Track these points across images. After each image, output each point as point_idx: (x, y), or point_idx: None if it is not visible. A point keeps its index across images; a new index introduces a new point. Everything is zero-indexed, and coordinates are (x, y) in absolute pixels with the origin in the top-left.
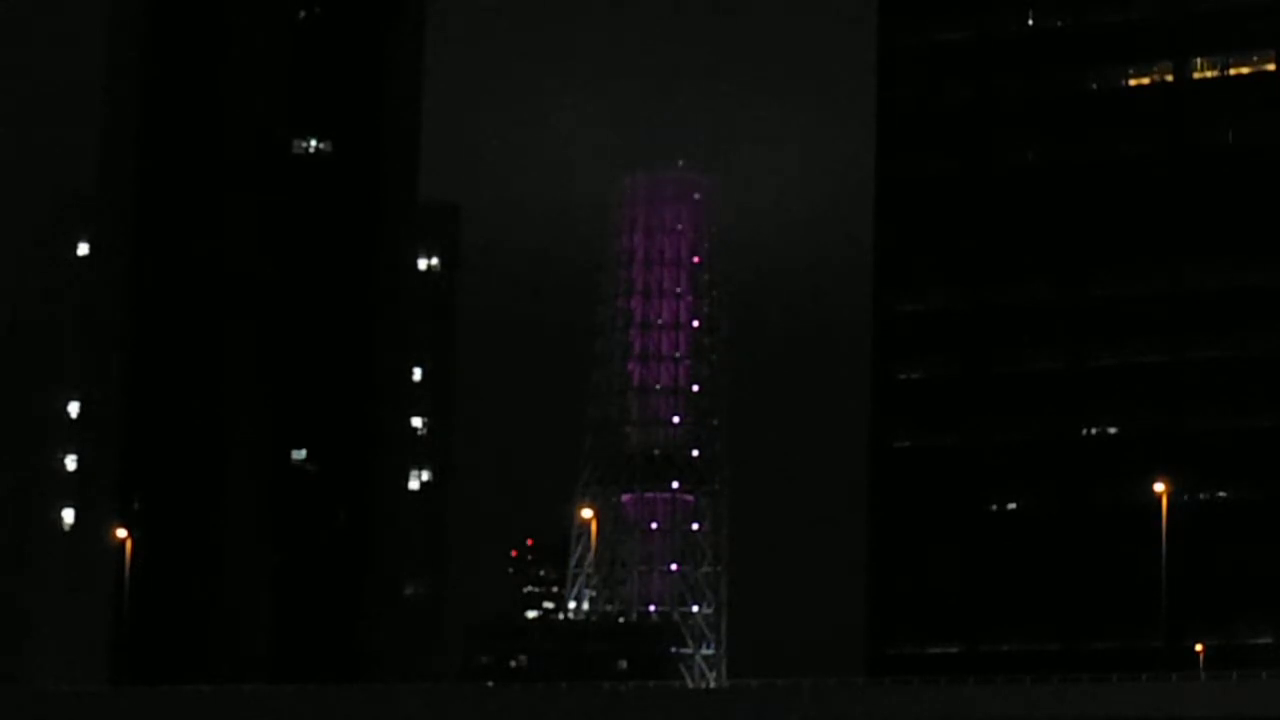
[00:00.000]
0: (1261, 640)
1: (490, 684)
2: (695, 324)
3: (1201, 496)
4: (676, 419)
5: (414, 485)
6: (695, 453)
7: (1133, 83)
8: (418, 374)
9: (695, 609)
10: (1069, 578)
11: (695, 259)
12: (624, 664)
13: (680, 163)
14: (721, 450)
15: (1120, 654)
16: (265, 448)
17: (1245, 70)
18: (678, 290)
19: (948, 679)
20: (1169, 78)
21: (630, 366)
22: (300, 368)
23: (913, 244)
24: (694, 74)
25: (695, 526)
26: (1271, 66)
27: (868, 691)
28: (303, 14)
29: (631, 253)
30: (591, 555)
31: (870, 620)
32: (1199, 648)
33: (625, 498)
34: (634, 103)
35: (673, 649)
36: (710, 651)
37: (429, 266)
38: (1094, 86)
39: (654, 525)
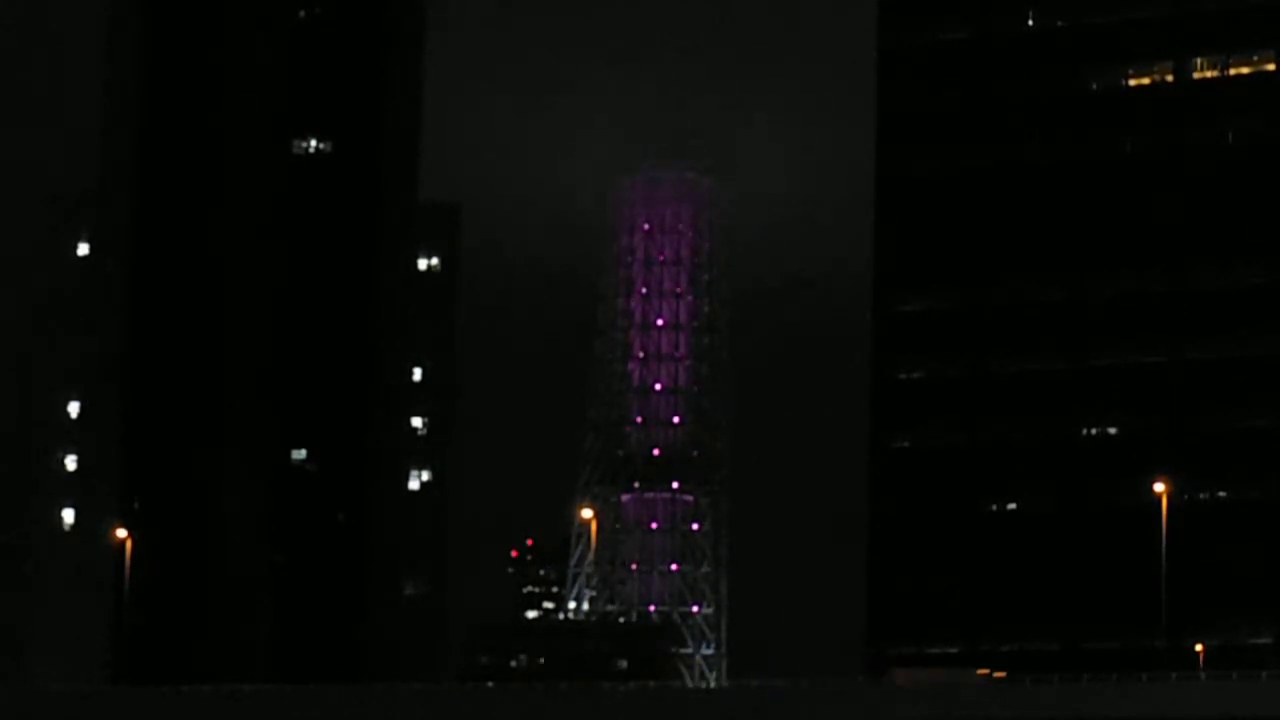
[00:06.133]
0: (1261, 640)
1: (490, 684)
2: (695, 324)
3: (1201, 496)
4: (676, 419)
5: (414, 485)
6: (695, 453)
7: (1133, 83)
8: (418, 374)
9: (695, 609)
10: (1069, 578)
11: (695, 259)
12: (624, 664)
13: (680, 163)
14: (721, 450)
15: (1120, 654)
16: (265, 448)
17: (1245, 70)
18: (678, 290)
19: None
20: (1169, 78)
21: (630, 367)
22: (300, 368)
23: (913, 244)
24: (694, 74)
25: (695, 526)
26: (1271, 66)
27: (868, 691)
28: (303, 14)
29: (631, 253)
30: (591, 555)
31: (870, 620)
32: (1199, 648)
33: (625, 498)
34: (634, 102)
35: (673, 649)
36: (710, 651)
37: (429, 266)
38: (1094, 86)
39: (654, 525)
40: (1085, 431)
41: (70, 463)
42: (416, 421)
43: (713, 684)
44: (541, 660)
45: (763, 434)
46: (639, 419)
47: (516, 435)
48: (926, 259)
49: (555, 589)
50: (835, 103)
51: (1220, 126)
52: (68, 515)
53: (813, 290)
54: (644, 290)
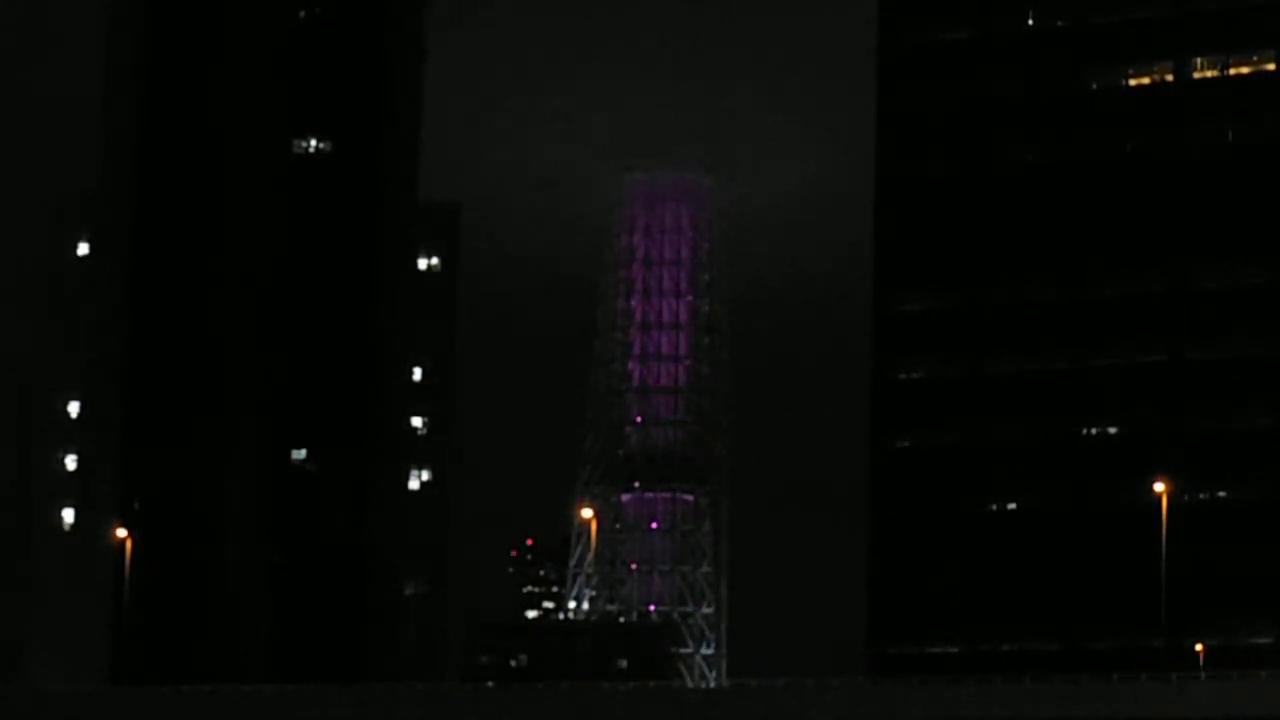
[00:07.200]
0: (1261, 640)
1: (490, 684)
2: (695, 324)
3: (1201, 496)
4: (676, 419)
5: (414, 485)
6: (695, 453)
7: (1133, 83)
8: (418, 374)
9: (695, 609)
10: (1069, 578)
11: (695, 259)
12: (624, 664)
13: (680, 163)
14: (722, 450)
15: (1120, 654)
16: (265, 448)
17: (1245, 70)
18: (678, 290)
19: (948, 679)
20: (1169, 78)
21: (630, 366)
22: (300, 368)
23: (913, 244)
24: (694, 74)
25: (695, 526)
26: (1271, 66)
27: (868, 691)
28: (303, 14)
29: (631, 253)
30: (591, 555)
31: (870, 620)
32: (1199, 648)
33: (625, 498)
34: (634, 103)
35: (673, 649)
36: (710, 651)
37: (429, 266)
38: (1094, 86)
39: (654, 525)
40: (1085, 431)
41: (70, 463)
42: (416, 421)
43: (713, 684)
44: (541, 660)
45: (763, 434)
46: (639, 419)
47: (516, 435)
48: (926, 259)
49: (555, 589)
50: (835, 103)
51: (1220, 126)
52: (68, 515)
53: (813, 290)
54: (644, 290)
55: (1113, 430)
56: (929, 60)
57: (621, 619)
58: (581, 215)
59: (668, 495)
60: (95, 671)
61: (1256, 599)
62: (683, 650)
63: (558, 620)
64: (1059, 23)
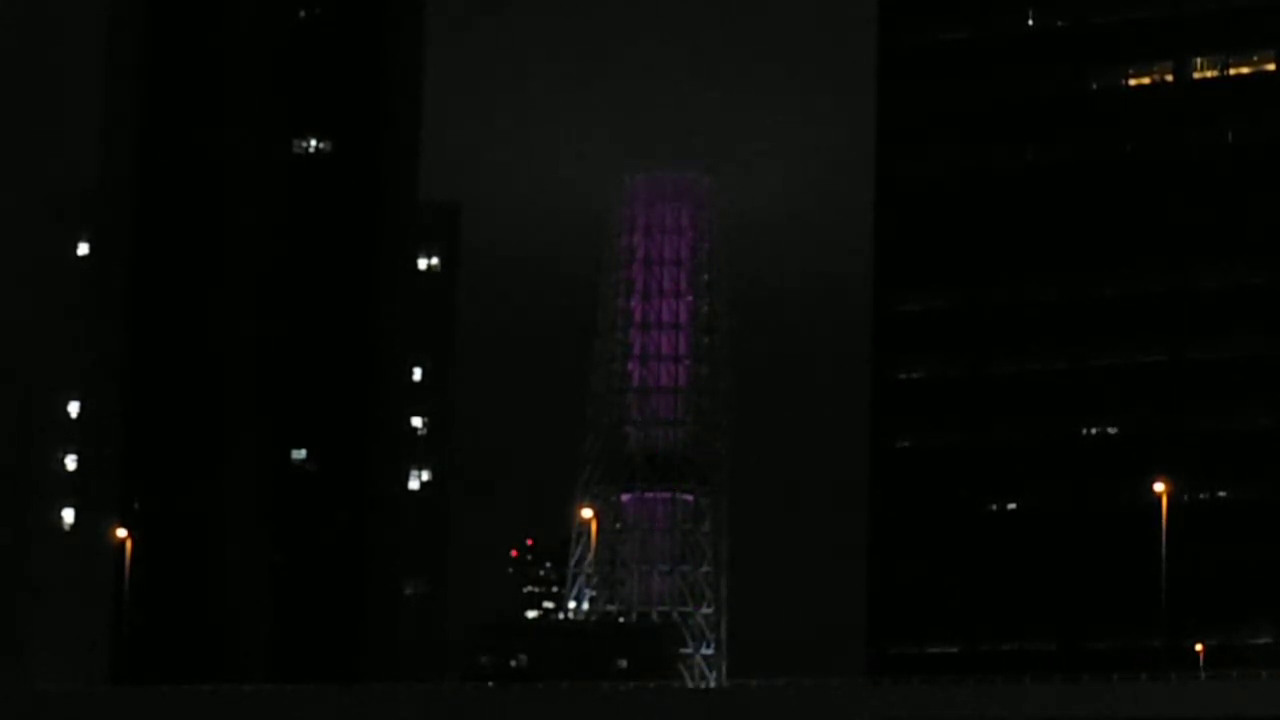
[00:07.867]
0: (1261, 640)
1: (490, 684)
2: (695, 324)
3: (1201, 496)
4: (676, 419)
5: (414, 485)
6: (695, 453)
7: (1133, 83)
8: (418, 374)
9: (695, 609)
10: (1069, 578)
11: (695, 259)
12: (624, 664)
13: (680, 163)
14: (722, 450)
15: (1120, 654)
16: (265, 448)
17: (1245, 70)
18: (678, 290)
19: (948, 679)
20: (1169, 78)
21: (630, 367)
22: (300, 367)
23: (913, 244)
24: (694, 73)
25: (695, 526)
26: (1271, 66)
27: (868, 691)
28: (303, 14)
29: (631, 253)
30: (591, 555)
31: (870, 620)
32: (1199, 648)
33: (625, 498)
34: (633, 103)
35: (673, 649)
36: (710, 651)
37: (429, 266)
38: (1094, 86)
39: (654, 525)
40: (1085, 431)
41: (70, 463)
42: (416, 421)
43: (713, 684)
44: (541, 660)
45: (763, 434)
46: (639, 419)
47: (516, 435)
48: (926, 259)
49: (555, 589)
50: (835, 102)
51: (1220, 126)
52: (68, 515)
53: (813, 290)
54: (644, 290)
55: (1113, 430)
56: (929, 60)
57: (621, 619)
58: (581, 215)
59: (668, 495)
60: (95, 671)
61: (1256, 599)
62: (683, 650)
63: (558, 620)
64: (1059, 23)
